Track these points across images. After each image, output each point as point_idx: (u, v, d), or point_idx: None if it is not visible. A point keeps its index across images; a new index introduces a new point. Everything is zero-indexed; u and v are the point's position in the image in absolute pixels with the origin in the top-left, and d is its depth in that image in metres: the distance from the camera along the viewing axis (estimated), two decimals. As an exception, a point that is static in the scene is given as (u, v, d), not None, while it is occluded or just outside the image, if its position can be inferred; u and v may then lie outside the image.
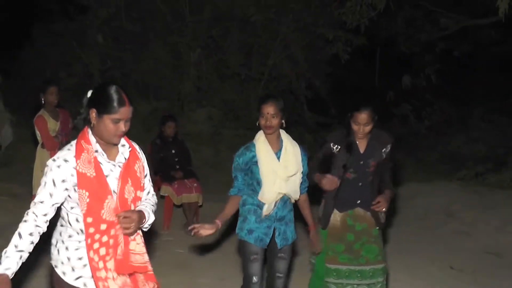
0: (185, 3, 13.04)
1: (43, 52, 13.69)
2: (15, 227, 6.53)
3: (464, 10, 12.31)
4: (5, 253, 2.85)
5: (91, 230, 2.91)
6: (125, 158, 3.07)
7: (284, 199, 4.33)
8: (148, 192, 3.28)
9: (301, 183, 4.39)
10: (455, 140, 13.42)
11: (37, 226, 2.90)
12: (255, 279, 4.28)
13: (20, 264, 2.85)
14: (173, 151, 7.98)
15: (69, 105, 7.29)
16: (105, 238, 2.93)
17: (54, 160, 2.95)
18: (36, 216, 2.90)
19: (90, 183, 2.90)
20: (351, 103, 4.55)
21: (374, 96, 14.20)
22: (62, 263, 3.03)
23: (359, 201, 4.55)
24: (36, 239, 2.91)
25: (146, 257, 3.14)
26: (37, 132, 6.47)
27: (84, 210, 2.90)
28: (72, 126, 6.65)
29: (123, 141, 3.09)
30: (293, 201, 4.39)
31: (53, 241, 3.11)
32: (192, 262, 6.59)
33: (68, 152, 2.95)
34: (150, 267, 3.17)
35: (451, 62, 14.36)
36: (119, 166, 3.04)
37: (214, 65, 13.06)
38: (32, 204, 2.94)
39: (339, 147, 4.51)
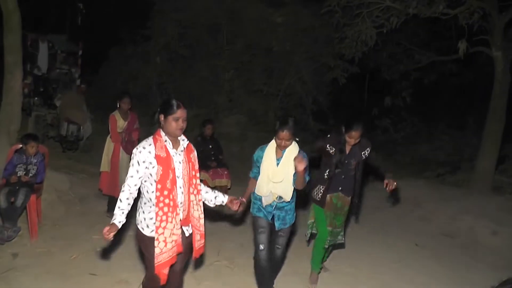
0: (223, 35, 13.07)
1: (116, 68, 13.84)
2: (92, 197, 6.61)
3: (433, 48, 12.17)
4: (116, 211, 3.38)
5: (158, 193, 3.33)
6: (184, 148, 3.47)
7: (281, 198, 4.34)
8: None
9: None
10: (423, 148, 13.27)
11: (130, 193, 3.39)
12: (261, 246, 4.35)
13: (124, 217, 3.37)
14: (210, 146, 8.01)
15: (134, 108, 7.35)
16: (167, 201, 3.34)
17: (137, 148, 3.38)
18: (130, 187, 3.38)
19: (163, 160, 3.33)
20: (346, 121, 4.66)
21: (362, 114, 14.08)
22: (141, 222, 3.48)
23: (340, 188, 4.81)
24: (131, 201, 3.40)
25: (201, 222, 3.61)
26: (109, 127, 6.55)
27: (158, 179, 3.33)
28: (138, 126, 6.73)
29: (183, 137, 3.50)
30: (287, 200, 4.33)
31: (137, 207, 3.55)
32: (218, 231, 6.62)
33: (146, 142, 3.40)
34: (202, 229, 3.63)
35: (422, 88, 14.23)
36: (180, 154, 3.44)
37: (243, 83, 13.06)
38: (126, 178, 3.39)
39: (334, 149, 4.71)
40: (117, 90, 10.84)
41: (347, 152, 4.75)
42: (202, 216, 3.65)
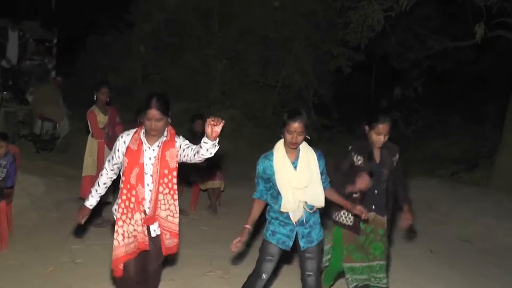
0: (214, 22, 13.05)
1: (95, 58, 13.79)
2: (70, 203, 6.58)
3: (447, 33, 12.17)
4: (90, 194, 3.85)
5: (122, 185, 3.63)
6: (159, 145, 3.63)
7: (311, 207, 3.91)
8: (188, 147, 3.66)
9: (326, 179, 3.99)
10: (435, 143, 13.32)
11: (108, 177, 3.82)
12: (264, 276, 3.99)
13: (96, 200, 3.85)
14: (201, 144, 7.98)
15: (115, 103, 7.31)
16: (129, 195, 3.60)
17: (121, 136, 3.70)
18: (107, 171, 3.79)
19: (131, 153, 3.60)
20: (369, 114, 4.22)
21: (372, 106, 14.09)
22: (115, 208, 3.75)
23: (374, 206, 4.24)
24: (108, 184, 3.86)
25: (175, 220, 3.74)
26: (89, 124, 6.50)
27: (123, 171, 3.63)
28: (119, 121, 6.69)
29: (166, 133, 3.67)
30: (321, 205, 3.92)
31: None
32: (215, 237, 6.60)
33: (128, 131, 3.72)
34: (175, 228, 3.76)
35: (435, 77, 14.24)
36: (153, 150, 3.63)
37: (237, 74, 13.05)
38: (106, 163, 3.79)
39: (362, 158, 4.19)
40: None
41: (378, 159, 4.23)
42: (177, 215, 3.75)
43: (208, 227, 7.08)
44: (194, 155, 3.59)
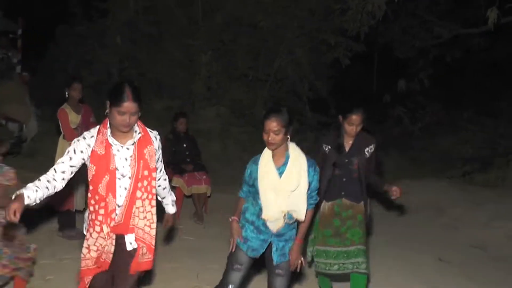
0: (198, 9, 13.02)
1: (66, 51, 13.69)
2: (39, 212, 6.39)
3: (456, 19, 12.24)
4: (28, 185, 3.24)
5: (90, 195, 3.48)
6: (134, 142, 3.47)
7: (291, 217, 3.94)
8: (161, 171, 3.76)
9: (311, 197, 3.99)
10: (445, 141, 13.35)
11: (54, 179, 3.35)
12: (230, 287, 4.01)
13: (33, 191, 3.18)
14: (185, 145, 7.99)
15: (89, 101, 7.29)
16: (97, 207, 3.44)
17: (78, 138, 3.47)
18: (55, 171, 3.37)
19: (98, 159, 3.39)
20: (342, 103, 4.84)
21: (366, 98, 14.13)
22: (86, 219, 3.67)
23: (343, 193, 4.77)
24: (51, 188, 3.32)
25: (150, 233, 3.58)
26: (60, 124, 6.49)
27: (90, 180, 3.43)
28: (94, 120, 6.68)
29: (137, 128, 3.50)
30: (301, 218, 3.94)
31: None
32: (201, 249, 6.60)
33: (88, 133, 3.49)
34: (151, 241, 3.59)
35: (443, 68, 14.30)
36: (127, 149, 3.47)
37: (224, 67, 13.00)
38: (56, 163, 3.43)
39: (329, 147, 4.75)
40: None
41: (348, 149, 4.75)
42: (154, 226, 3.60)
43: (194, 238, 7.09)
44: (160, 187, 3.87)
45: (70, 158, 3.40)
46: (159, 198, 3.89)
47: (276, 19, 12.60)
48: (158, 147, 3.61)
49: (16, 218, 3.05)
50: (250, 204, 4.04)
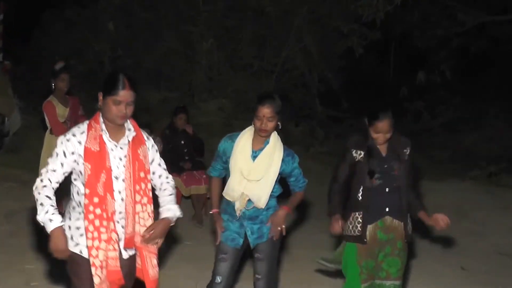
0: (199, -8, 13.04)
1: (54, 38, 13.72)
2: (24, 213, 6.55)
3: (482, 5, 12.21)
4: (47, 213, 3.23)
5: (86, 201, 3.30)
6: (128, 141, 3.43)
7: (251, 203, 4.21)
8: (161, 176, 3.63)
9: (298, 182, 4.29)
10: (468, 138, 13.36)
11: (52, 188, 3.32)
12: (218, 279, 4.22)
13: (58, 214, 3.25)
14: (183, 142, 7.98)
15: (79, 92, 7.29)
16: (98, 211, 3.30)
17: (64, 135, 3.38)
18: (51, 182, 3.31)
19: (93, 156, 3.31)
20: (368, 108, 4.35)
21: (388, 97, 14.10)
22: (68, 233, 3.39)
23: (387, 208, 4.25)
24: (54, 201, 3.30)
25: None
26: (46, 118, 6.48)
27: (85, 181, 3.31)
28: (82, 113, 6.68)
29: (130, 126, 3.48)
30: (260, 206, 4.19)
31: (65, 212, 3.51)
32: (200, 254, 6.56)
33: (78, 129, 3.40)
34: (155, 251, 3.53)
35: (467, 59, 14.27)
36: (121, 148, 3.42)
37: (227, 56, 13.05)
38: (44, 171, 3.34)
39: (361, 153, 4.28)
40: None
41: (385, 152, 4.30)
42: None
43: (193, 242, 7.09)
44: (160, 190, 3.64)
45: (62, 164, 3.34)
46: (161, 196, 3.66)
47: (283, 4, 12.64)
48: (152, 146, 3.58)
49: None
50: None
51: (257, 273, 4.28)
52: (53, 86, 6.48)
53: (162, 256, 6.42)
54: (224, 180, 4.36)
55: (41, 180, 3.31)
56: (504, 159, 11.35)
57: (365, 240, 4.21)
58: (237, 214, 4.21)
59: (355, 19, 12.05)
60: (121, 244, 3.41)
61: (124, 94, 3.30)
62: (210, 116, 12.19)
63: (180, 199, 7.85)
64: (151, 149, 3.56)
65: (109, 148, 3.38)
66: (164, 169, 3.66)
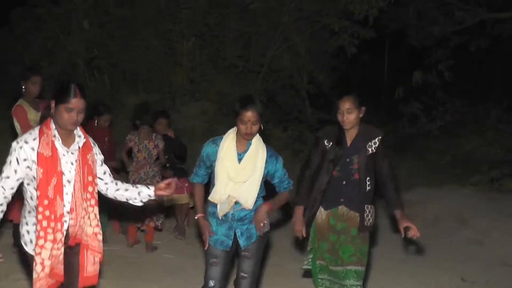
0: (179, -13, 13.03)
1: (22, 38, 13.65)
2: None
3: (482, 2, 12.29)
4: None
5: (37, 202, 3.72)
6: (79, 147, 3.87)
7: (239, 205, 4.52)
8: (105, 172, 4.11)
9: (282, 183, 4.58)
10: (469, 142, 13.41)
11: (5, 197, 3.79)
12: (211, 283, 4.51)
13: None
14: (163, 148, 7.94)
15: (50, 96, 7.26)
16: (47, 213, 3.71)
17: (17, 142, 3.77)
18: (4, 189, 3.77)
19: (45, 161, 3.71)
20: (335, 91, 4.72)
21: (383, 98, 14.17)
22: (23, 235, 3.90)
23: (342, 199, 4.72)
24: (5, 207, 3.82)
25: (99, 239, 4.00)
26: (16, 124, 6.44)
27: (36, 185, 3.72)
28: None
29: (79, 133, 3.92)
30: (248, 207, 4.51)
31: (21, 217, 3.96)
32: (182, 268, 6.59)
33: (29, 135, 3.79)
34: (101, 251, 4.03)
35: (467, 58, 14.35)
36: (72, 153, 3.84)
37: (210, 56, 13.03)
38: (2, 180, 3.77)
39: (330, 142, 4.73)
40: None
41: (349, 144, 4.72)
42: (101, 234, 4.04)
43: (174, 255, 7.08)
44: (116, 190, 4.16)
45: (15, 171, 3.75)
46: (135, 202, 4.20)
47: (270, 0, 12.63)
48: (98, 152, 4.05)
49: None
50: (209, 196, 4.57)
51: (242, 271, 4.57)
52: (23, 90, 6.44)
53: (142, 269, 6.46)
54: (207, 186, 4.66)
55: None
56: (506, 164, 11.40)
57: (308, 221, 4.81)
58: (219, 217, 4.50)
59: (347, 16, 12.10)
60: (67, 242, 3.86)
61: (76, 102, 3.74)
62: (191, 120, 12.17)
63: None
64: (98, 155, 4.03)
65: (61, 154, 3.80)
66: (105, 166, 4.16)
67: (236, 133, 4.47)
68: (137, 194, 4.17)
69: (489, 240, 7.92)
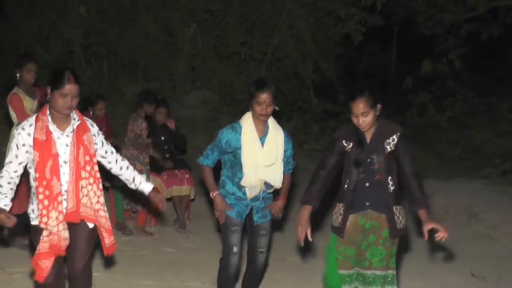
0: (180, -28, 12.99)
1: (17, 24, 13.64)
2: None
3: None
4: None
5: (37, 183, 4.12)
6: (73, 129, 4.22)
7: (269, 186, 4.98)
8: (112, 152, 4.51)
9: (288, 163, 5.07)
10: (480, 133, 13.40)
11: (11, 178, 4.18)
12: (235, 249, 4.92)
13: (9, 200, 4.13)
14: (163, 138, 7.96)
15: (46, 84, 7.26)
16: (47, 192, 4.10)
17: (16, 129, 4.24)
18: (9, 172, 4.18)
19: (40, 145, 4.11)
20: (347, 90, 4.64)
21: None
22: (30, 213, 4.31)
23: (367, 203, 4.49)
24: (14, 186, 4.19)
25: (102, 214, 4.34)
26: (12, 113, 6.46)
27: (34, 167, 4.13)
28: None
29: (75, 115, 4.27)
30: (278, 187, 5.02)
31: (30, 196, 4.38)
32: (182, 262, 6.59)
33: (27, 122, 4.22)
34: (108, 224, 4.40)
35: (478, 47, 14.31)
36: (67, 136, 4.21)
37: (211, 43, 13.00)
38: (5, 164, 4.17)
39: (351, 143, 4.51)
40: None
41: (368, 144, 4.52)
42: (106, 209, 4.39)
43: (174, 249, 7.10)
44: (121, 168, 4.55)
45: (16, 156, 4.17)
46: (130, 185, 4.63)
47: (274, -15, 12.61)
48: (97, 132, 4.39)
49: (11, 222, 4.05)
50: (226, 178, 5.02)
51: (260, 247, 5.06)
52: (18, 77, 6.46)
53: (140, 264, 6.47)
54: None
55: (1, 171, 4.20)
56: (519, 156, 11.43)
57: (341, 235, 4.52)
58: (249, 198, 4.93)
59: (353, 2, 12.07)
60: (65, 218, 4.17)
61: (70, 88, 4.11)
62: (192, 109, 12.17)
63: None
64: (97, 135, 4.38)
65: (56, 137, 4.18)
66: (110, 146, 4.53)
67: (252, 117, 4.85)
68: (131, 178, 4.60)
69: (500, 235, 7.89)
